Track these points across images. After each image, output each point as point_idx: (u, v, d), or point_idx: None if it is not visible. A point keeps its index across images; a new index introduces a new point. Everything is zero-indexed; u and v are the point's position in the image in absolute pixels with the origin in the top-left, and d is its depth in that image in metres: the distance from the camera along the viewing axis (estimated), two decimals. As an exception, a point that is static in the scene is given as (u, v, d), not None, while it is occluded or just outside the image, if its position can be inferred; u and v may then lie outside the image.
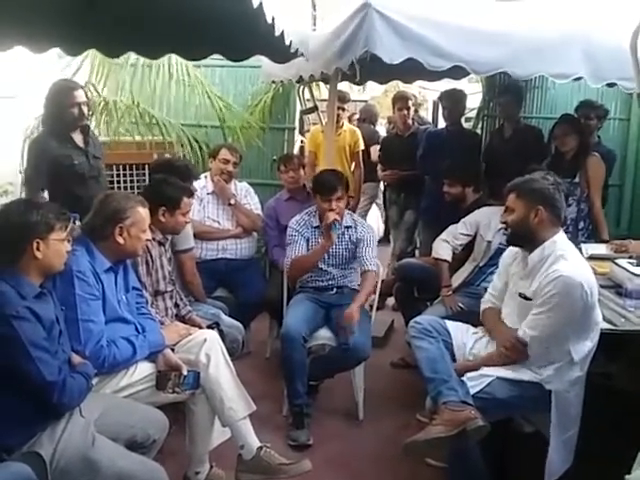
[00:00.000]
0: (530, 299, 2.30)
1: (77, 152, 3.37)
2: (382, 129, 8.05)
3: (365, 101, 9.53)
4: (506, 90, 4.40)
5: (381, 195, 6.54)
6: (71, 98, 3.30)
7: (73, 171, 3.32)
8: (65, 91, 3.31)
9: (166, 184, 2.88)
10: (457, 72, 3.26)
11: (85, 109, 3.38)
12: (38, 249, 1.89)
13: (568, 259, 2.27)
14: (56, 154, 3.28)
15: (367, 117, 6.60)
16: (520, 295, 2.35)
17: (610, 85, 3.42)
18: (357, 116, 6.87)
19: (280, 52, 3.15)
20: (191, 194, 2.95)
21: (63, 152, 3.31)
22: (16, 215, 1.90)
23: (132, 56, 4.34)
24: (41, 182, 3.31)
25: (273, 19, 2.28)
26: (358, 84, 5.67)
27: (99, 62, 4.43)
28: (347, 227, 3.34)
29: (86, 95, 3.44)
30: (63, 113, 3.30)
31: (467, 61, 2.97)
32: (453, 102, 4.46)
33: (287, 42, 2.73)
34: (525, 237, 2.37)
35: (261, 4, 2.02)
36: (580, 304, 2.18)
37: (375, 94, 13.29)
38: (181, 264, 3.14)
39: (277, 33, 2.45)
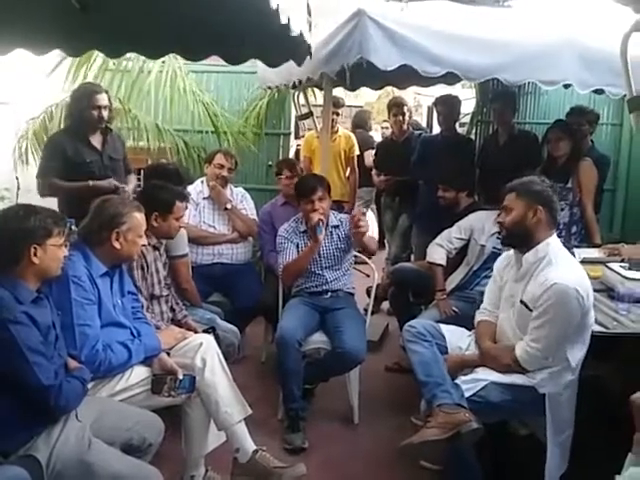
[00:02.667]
0: (531, 309, 2.30)
1: (91, 151, 3.46)
2: (375, 134, 8.08)
3: (360, 106, 9.57)
4: (499, 96, 4.42)
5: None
6: (93, 101, 3.39)
7: (84, 169, 3.40)
8: (88, 93, 3.41)
9: (158, 189, 2.89)
10: (451, 78, 3.29)
11: (105, 113, 3.45)
12: (35, 255, 1.89)
13: (561, 263, 2.30)
14: (68, 151, 3.38)
15: (360, 123, 6.65)
16: (522, 302, 2.35)
17: (598, 92, 3.47)
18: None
19: (283, 55, 3.17)
20: (184, 198, 2.97)
21: (76, 150, 3.40)
22: (14, 221, 1.90)
23: (113, 61, 4.38)
24: (52, 174, 3.38)
25: (289, 20, 2.28)
26: (351, 90, 5.69)
27: (77, 64, 4.45)
28: (335, 227, 3.36)
29: (109, 100, 3.51)
30: (83, 114, 3.41)
31: (460, 68, 3.00)
32: (448, 108, 4.49)
33: (307, 42, 2.75)
34: (521, 237, 2.38)
35: (278, 6, 2.02)
36: (577, 310, 2.20)
37: (369, 99, 13.33)
38: (175, 270, 3.14)
39: (296, 33, 2.46)
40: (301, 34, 2.55)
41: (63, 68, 4.37)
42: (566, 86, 3.24)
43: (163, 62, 4.54)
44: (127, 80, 4.64)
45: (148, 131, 4.72)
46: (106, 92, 3.51)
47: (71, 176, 3.36)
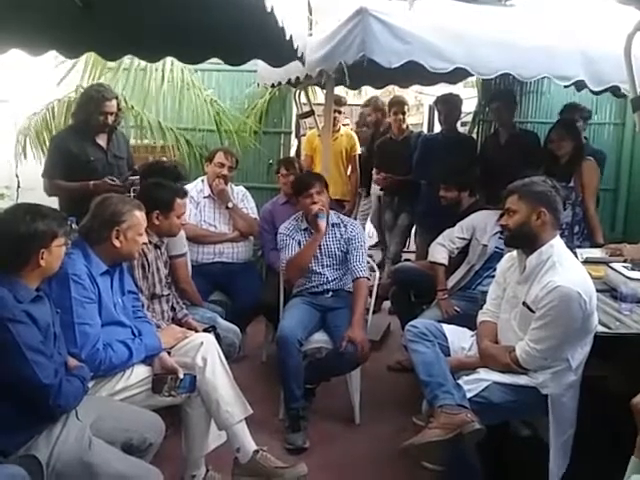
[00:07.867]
0: (534, 311, 2.28)
1: (96, 149, 3.49)
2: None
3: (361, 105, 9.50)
4: (497, 96, 4.43)
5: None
6: (101, 107, 3.42)
7: (88, 167, 3.42)
8: (97, 99, 3.42)
9: (157, 187, 2.88)
10: (454, 76, 3.28)
11: (111, 118, 3.48)
12: (42, 258, 1.89)
13: (565, 266, 2.27)
14: (72, 149, 3.42)
15: (365, 121, 6.56)
16: (524, 304, 2.34)
17: (598, 93, 3.46)
18: (347, 121, 6.88)
19: (283, 55, 3.15)
20: (184, 195, 2.95)
21: (81, 148, 3.43)
22: (23, 226, 1.87)
23: (125, 60, 4.36)
24: (57, 174, 3.43)
25: (283, 22, 2.27)
26: (352, 88, 5.68)
27: (92, 65, 4.42)
28: (335, 224, 3.35)
29: (118, 106, 3.54)
30: (90, 118, 3.45)
31: (470, 63, 2.98)
32: (449, 107, 4.48)
33: (295, 46, 2.74)
34: (525, 239, 2.35)
35: (273, 8, 2.01)
36: (579, 314, 2.18)
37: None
38: (174, 270, 3.13)
39: (287, 37, 2.45)
40: (291, 38, 2.53)
41: (66, 67, 4.35)
42: (577, 84, 3.22)
43: (172, 61, 4.53)
44: (131, 78, 4.61)
45: (151, 129, 4.71)
46: (116, 98, 3.52)
47: (76, 174, 3.38)
